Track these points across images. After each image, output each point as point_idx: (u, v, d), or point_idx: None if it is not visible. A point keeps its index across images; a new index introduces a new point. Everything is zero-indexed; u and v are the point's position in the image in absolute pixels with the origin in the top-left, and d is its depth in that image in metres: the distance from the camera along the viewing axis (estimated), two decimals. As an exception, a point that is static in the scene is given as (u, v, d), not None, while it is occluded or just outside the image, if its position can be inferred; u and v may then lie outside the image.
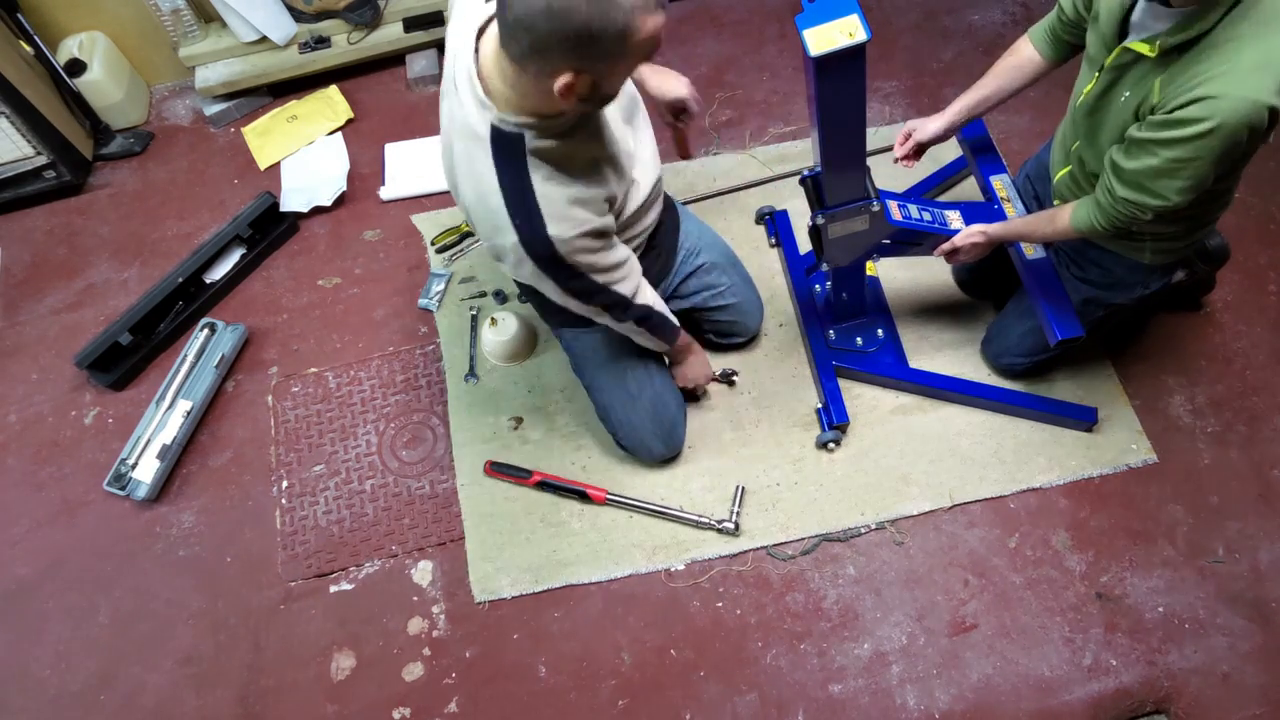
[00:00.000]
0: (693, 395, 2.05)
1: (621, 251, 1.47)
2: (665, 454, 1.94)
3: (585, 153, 1.34)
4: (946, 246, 1.74)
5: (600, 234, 1.37)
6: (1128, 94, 1.36)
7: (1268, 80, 1.18)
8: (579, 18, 1.03)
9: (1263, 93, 1.18)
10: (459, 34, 1.27)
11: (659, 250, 1.78)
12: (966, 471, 1.94)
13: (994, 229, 1.67)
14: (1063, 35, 1.62)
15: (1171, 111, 1.25)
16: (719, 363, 2.10)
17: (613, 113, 1.42)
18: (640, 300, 1.54)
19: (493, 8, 1.21)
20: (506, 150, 1.24)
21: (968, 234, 1.71)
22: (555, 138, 1.26)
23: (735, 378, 2.07)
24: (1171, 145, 1.27)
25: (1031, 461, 1.95)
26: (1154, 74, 1.31)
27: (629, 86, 1.52)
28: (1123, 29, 1.37)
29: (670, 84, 1.63)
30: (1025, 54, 1.69)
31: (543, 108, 1.21)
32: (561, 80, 1.10)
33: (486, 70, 1.21)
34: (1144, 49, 1.31)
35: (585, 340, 1.83)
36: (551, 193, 1.27)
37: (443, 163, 1.42)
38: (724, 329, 2.05)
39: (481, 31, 1.24)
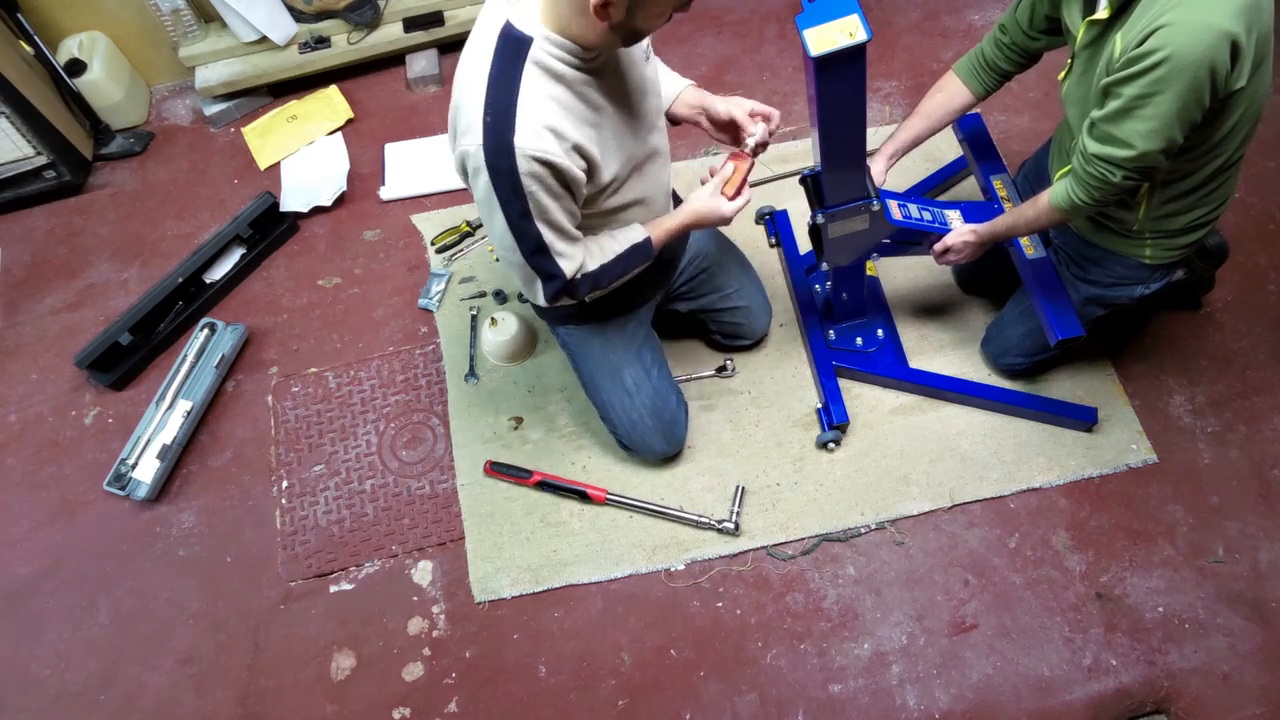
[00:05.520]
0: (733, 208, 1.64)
1: (574, 228, 1.41)
2: (668, 451, 1.94)
3: (588, 106, 1.31)
4: (938, 247, 1.75)
5: (561, 177, 1.30)
6: (1100, 65, 1.35)
7: (1224, 4, 1.16)
8: None
9: (1219, 16, 1.16)
10: None
11: (660, 263, 1.76)
12: (966, 471, 1.94)
13: (983, 227, 1.68)
14: (997, 61, 1.65)
15: (1133, 50, 1.24)
16: (719, 360, 2.11)
17: (638, 94, 1.42)
18: (585, 270, 1.45)
19: None
20: (509, 46, 1.24)
21: (958, 233, 1.72)
22: (566, 65, 1.26)
23: (730, 365, 2.08)
24: (1132, 80, 1.25)
25: (1031, 461, 1.95)
26: (1114, 31, 1.30)
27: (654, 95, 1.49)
28: (1090, 7, 1.38)
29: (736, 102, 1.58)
30: (952, 89, 1.72)
31: (578, 33, 1.22)
32: None
33: None
34: (1104, 14, 1.32)
35: (579, 336, 1.82)
36: (533, 105, 1.24)
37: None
38: (731, 330, 2.05)
39: None
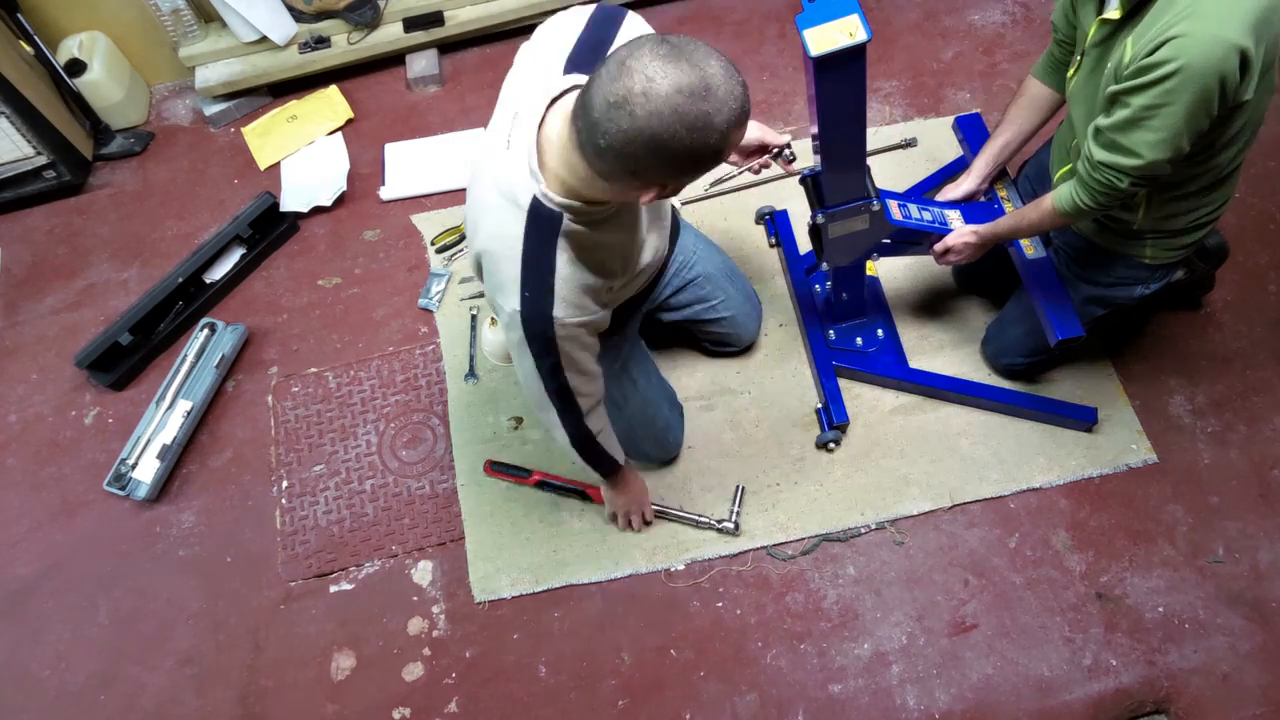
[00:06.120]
0: (625, 522, 1.93)
1: (595, 367, 1.44)
2: (662, 457, 1.95)
3: (613, 240, 1.32)
4: (939, 247, 1.75)
5: (595, 328, 1.36)
6: (1108, 67, 1.35)
7: (1235, 17, 1.16)
8: (680, 146, 1.03)
9: (1230, 29, 1.16)
10: (528, 95, 1.21)
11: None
12: (966, 471, 1.94)
13: (984, 228, 1.68)
14: (1062, 59, 1.63)
15: (1143, 59, 1.23)
16: (715, 368, 2.10)
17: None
18: (590, 424, 1.50)
19: (572, 80, 1.19)
20: (541, 225, 1.21)
21: (960, 234, 1.71)
22: (590, 224, 1.23)
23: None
24: (1142, 91, 1.24)
25: (1031, 461, 1.95)
26: (1126, 34, 1.30)
27: None
28: (1101, 5, 1.38)
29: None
30: (1034, 91, 1.71)
31: (595, 196, 1.18)
32: (649, 194, 1.12)
33: (547, 144, 1.16)
34: (1114, 14, 1.31)
35: None
36: (570, 276, 1.25)
37: (468, 191, 1.37)
38: (717, 339, 2.05)
39: (554, 101, 1.18)
